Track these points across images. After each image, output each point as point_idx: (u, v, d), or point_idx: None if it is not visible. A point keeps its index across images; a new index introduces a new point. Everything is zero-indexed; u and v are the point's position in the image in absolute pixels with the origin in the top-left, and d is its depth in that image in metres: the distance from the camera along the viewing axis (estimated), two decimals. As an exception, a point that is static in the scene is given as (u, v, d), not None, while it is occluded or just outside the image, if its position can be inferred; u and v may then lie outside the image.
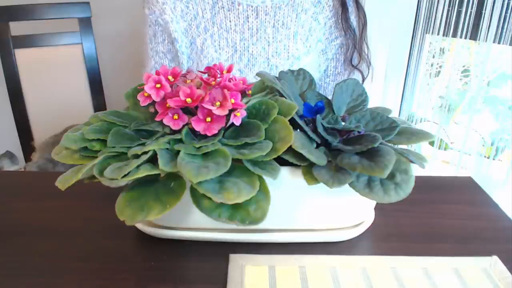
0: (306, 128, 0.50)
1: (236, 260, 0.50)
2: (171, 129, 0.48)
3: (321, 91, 0.97)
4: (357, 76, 0.92)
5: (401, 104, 1.61)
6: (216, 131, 0.47)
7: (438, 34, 1.42)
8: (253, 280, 0.48)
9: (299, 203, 0.51)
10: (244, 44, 0.84)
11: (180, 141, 0.47)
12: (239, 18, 0.83)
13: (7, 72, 1.29)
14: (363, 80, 0.92)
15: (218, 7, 0.83)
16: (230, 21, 0.83)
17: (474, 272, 0.50)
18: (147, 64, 0.88)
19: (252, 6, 0.83)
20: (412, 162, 0.47)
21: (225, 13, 0.83)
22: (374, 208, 0.57)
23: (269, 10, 0.84)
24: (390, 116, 0.55)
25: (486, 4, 1.29)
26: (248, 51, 0.85)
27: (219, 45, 0.84)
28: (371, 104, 0.62)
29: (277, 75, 0.60)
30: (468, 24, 1.35)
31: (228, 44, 0.84)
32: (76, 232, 0.57)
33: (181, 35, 0.83)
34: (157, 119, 0.48)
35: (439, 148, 1.54)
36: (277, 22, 0.85)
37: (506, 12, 1.26)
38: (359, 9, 0.89)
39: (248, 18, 0.83)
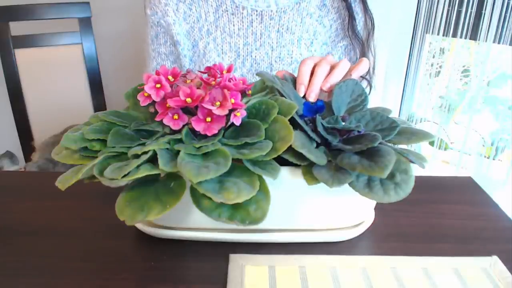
0: (306, 128, 0.50)
1: (236, 260, 0.50)
2: (171, 129, 0.48)
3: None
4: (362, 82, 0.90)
5: (401, 104, 1.61)
6: (216, 131, 0.47)
7: (438, 34, 1.42)
8: (253, 280, 0.48)
9: (299, 203, 0.51)
10: (247, 49, 0.83)
11: (180, 141, 0.47)
12: (243, 22, 0.81)
13: (7, 72, 1.29)
14: (370, 90, 0.88)
15: (222, 11, 0.81)
16: (233, 25, 0.82)
17: (474, 272, 0.50)
18: (148, 65, 0.87)
19: (257, 11, 0.81)
20: (412, 162, 0.47)
21: (229, 17, 0.81)
22: (374, 208, 0.57)
23: (274, 14, 0.82)
24: (390, 116, 0.55)
25: (486, 4, 1.29)
26: (251, 56, 0.83)
27: (222, 49, 0.82)
28: (371, 104, 0.62)
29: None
30: (468, 24, 1.35)
31: (231, 48, 0.83)
32: (76, 232, 0.57)
33: (183, 38, 0.82)
34: (157, 119, 0.48)
35: (439, 148, 1.54)
36: (281, 27, 0.83)
37: (506, 12, 1.26)
38: (366, 15, 0.86)
39: (252, 22, 0.82)
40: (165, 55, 0.85)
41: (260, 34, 0.82)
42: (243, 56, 0.83)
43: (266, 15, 0.82)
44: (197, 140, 0.48)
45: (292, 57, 0.85)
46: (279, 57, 0.84)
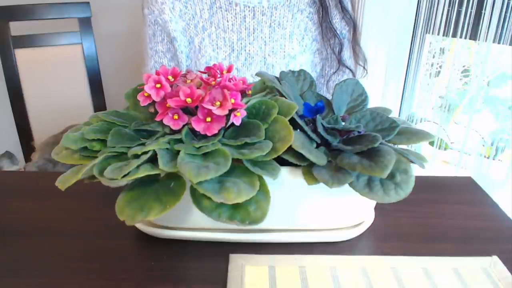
0: (306, 128, 0.50)
1: (236, 260, 0.50)
2: (171, 129, 0.48)
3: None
4: (348, 75, 0.93)
5: (401, 104, 1.60)
6: (216, 131, 0.47)
7: (438, 34, 1.42)
8: (253, 280, 0.48)
9: (299, 203, 0.51)
10: (241, 43, 0.85)
11: (180, 141, 0.47)
12: (236, 18, 0.84)
13: (7, 72, 1.29)
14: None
15: (216, 7, 0.84)
16: (227, 21, 0.84)
17: (474, 272, 0.50)
18: (147, 63, 0.89)
19: (249, 7, 0.84)
20: (412, 162, 0.47)
21: (223, 13, 0.84)
22: (374, 208, 0.57)
23: (266, 10, 0.85)
24: (390, 116, 0.55)
25: (486, 4, 1.29)
26: (245, 50, 0.86)
27: (217, 44, 0.85)
28: (371, 104, 0.62)
29: (273, 74, 0.60)
30: (468, 24, 1.35)
31: (226, 43, 0.85)
32: (76, 232, 0.57)
33: (179, 35, 0.84)
34: (157, 119, 0.48)
35: (439, 148, 1.54)
36: (273, 22, 0.86)
37: (506, 12, 1.26)
38: (344, 14, 0.89)
39: (245, 18, 0.84)
40: (163, 53, 0.87)
41: (253, 29, 0.85)
42: (237, 50, 0.86)
43: (258, 11, 0.85)
44: (197, 140, 0.48)
45: (285, 51, 0.88)
46: (272, 51, 0.87)
